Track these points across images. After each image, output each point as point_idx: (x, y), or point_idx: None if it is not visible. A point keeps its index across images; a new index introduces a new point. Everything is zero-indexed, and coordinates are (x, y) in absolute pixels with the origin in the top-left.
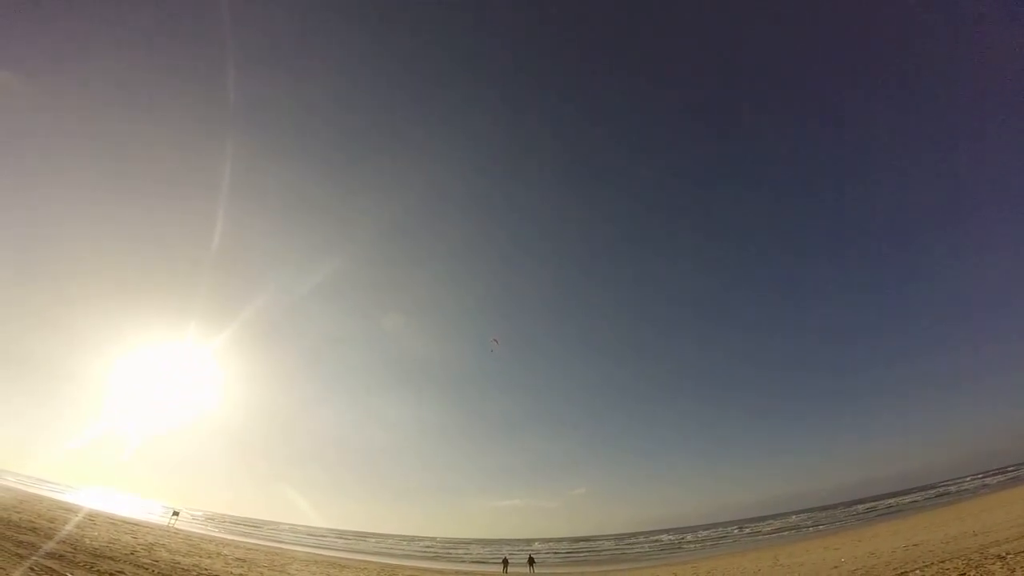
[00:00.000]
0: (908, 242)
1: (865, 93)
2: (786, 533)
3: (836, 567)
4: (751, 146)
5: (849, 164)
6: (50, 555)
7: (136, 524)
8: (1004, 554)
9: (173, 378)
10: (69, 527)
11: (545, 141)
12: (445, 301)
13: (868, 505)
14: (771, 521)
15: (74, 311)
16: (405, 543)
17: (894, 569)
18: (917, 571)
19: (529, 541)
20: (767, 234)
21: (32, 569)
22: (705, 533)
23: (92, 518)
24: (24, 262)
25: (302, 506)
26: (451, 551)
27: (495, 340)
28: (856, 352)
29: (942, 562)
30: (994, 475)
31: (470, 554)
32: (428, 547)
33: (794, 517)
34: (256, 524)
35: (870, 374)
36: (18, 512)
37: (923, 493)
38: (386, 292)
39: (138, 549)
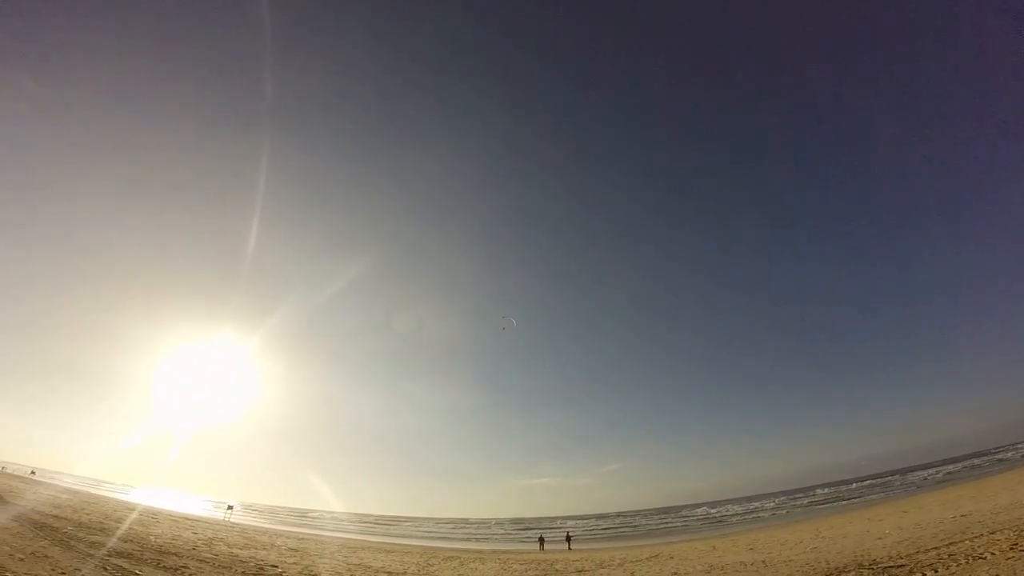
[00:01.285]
0: (950, 206)
1: (863, 88)
2: (827, 505)
3: (881, 539)
4: (756, 138)
5: (849, 154)
6: (119, 553)
7: (195, 520)
8: None
9: (215, 376)
10: (134, 526)
11: (561, 128)
12: (469, 286)
13: (912, 475)
14: (811, 493)
15: (116, 316)
16: (441, 525)
17: (941, 540)
18: (966, 542)
19: (563, 519)
20: (795, 202)
21: (104, 568)
22: (743, 506)
23: (154, 516)
24: (63, 270)
25: (343, 494)
26: (486, 531)
27: (511, 320)
28: (896, 318)
29: (992, 533)
30: None
31: (506, 533)
32: (462, 527)
33: (835, 488)
34: (303, 513)
35: (911, 340)
36: (87, 513)
37: (971, 461)
38: (412, 281)
39: (199, 544)
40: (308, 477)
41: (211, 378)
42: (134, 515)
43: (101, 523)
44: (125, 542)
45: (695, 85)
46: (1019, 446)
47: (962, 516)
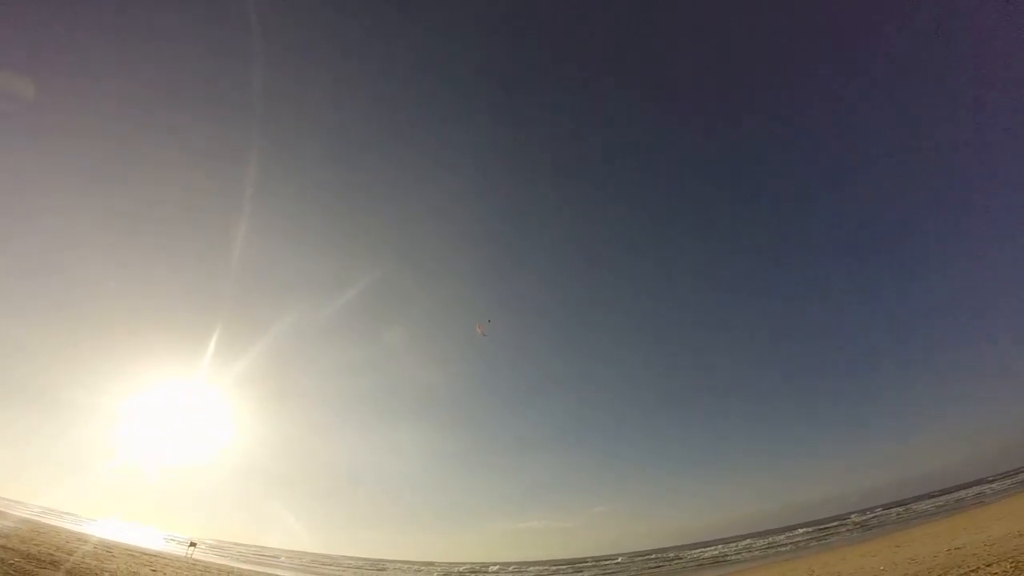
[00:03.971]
0: (945, 225)
1: (864, 92)
2: (819, 542)
3: (876, 575)
4: (748, 148)
5: (848, 164)
6: None
7: (154, 555)
8: None
9: (189, 410)
10: (87, 559)
11: (545, 159)
12: (454, 325)
13: (904, 508)
14: (803, 529)
15: (88, 344)
16: (427, 569)
17: (938, 574)
18: None
19: (557, 562)
20: (776, 235)
21: None
22: (733, 546)
23: (110, 550)
24: (29, 292)
25: (318, 534)
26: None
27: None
28: (879, 350)
29: (988, 565)
30: None
31: None
32: (451, 573)
33: (827, 524)
34: (274, 553)
35: (897, 371)
36: (36, 544)
37: (963, 492)
38: (395, 321)
39: None
40: (279, 517)
41: (184, 411)
42: (88, 548)
43: (52, 555)
44: None
45: (680, 100)
46: (1010, 475)
47: (956, 549)
